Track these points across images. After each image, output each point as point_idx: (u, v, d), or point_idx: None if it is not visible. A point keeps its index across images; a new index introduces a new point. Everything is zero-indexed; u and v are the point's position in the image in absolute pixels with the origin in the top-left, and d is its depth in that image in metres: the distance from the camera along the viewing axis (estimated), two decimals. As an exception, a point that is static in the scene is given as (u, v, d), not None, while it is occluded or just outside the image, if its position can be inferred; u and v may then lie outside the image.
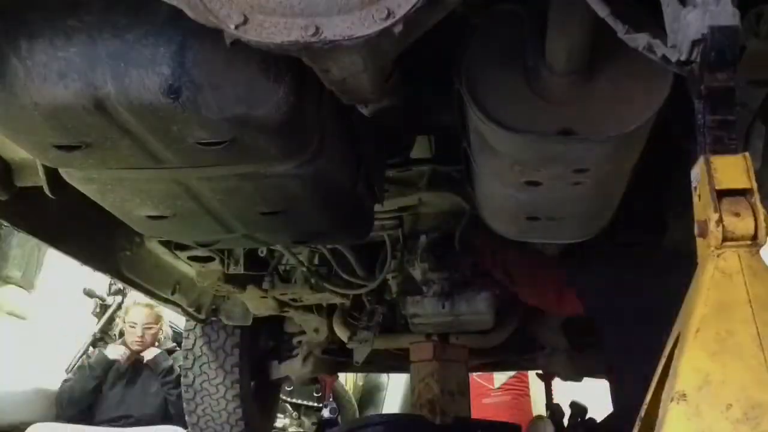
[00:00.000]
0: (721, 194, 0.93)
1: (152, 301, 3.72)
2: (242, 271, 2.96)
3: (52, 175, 1.80)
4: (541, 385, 5.19)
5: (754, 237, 0.92)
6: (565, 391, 5.20)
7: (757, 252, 0.94)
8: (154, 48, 1.23)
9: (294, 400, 7.39)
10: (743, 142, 1.72)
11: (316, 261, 3.23)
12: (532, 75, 1.47)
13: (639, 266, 2.45)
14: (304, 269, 3.17)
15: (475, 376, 5.97)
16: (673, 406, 0.88)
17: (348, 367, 4.47)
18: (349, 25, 1.05)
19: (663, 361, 0.96)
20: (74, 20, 1.23)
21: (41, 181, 1.87)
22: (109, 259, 2.77)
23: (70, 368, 6.79)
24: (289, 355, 4.34)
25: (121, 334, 7.09)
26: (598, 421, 3.75)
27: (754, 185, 0.94)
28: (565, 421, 4.28)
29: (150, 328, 5.07)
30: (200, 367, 3.96)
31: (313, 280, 3.19)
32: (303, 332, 4.10)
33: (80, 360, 6.92)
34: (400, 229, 2.96)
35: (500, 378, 6.91)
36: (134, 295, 6.90)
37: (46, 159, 1.54)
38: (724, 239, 0.92)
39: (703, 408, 0.88)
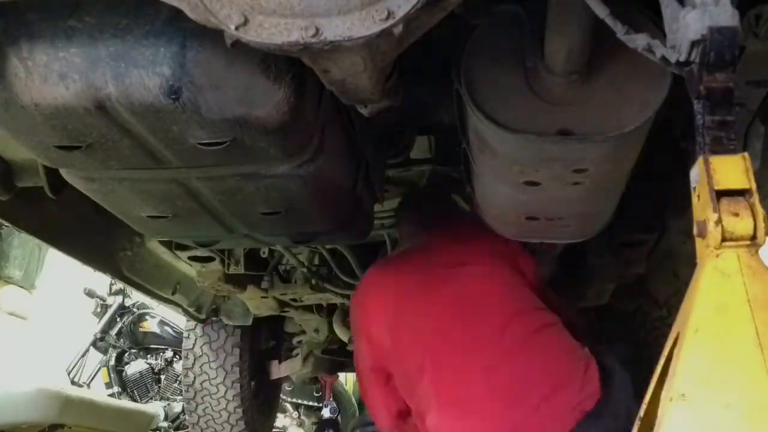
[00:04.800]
0: (720, 194, 0.93)
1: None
2: (242, 271, 2.97)
3: (52, 175, 1.80)
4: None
5: (753, 237, 0.92)
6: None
7: (756, 252, 0.94)
8: (155, 48, 1.23)
9: (294, 400, 7.41)
10: (742, 142, 1.72)
11: (316, 261, 3.24)
12: (531, 75, 1.47)
13: None
14: (304, 269, 3.17)
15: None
16: (672, 406, 0.88)
17: (348, 367, 4.47)
18: (349, 26, 1.05)
19: (662, 360, 0.96)
20: (75, 21, 1.23)
21: (42, 181, 1.88)
22: (109, 259, 2.78)
23: (70, 368, 6.81)
24: (290, 355, 4.35)
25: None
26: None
27: (754, 185, 0.94)
28: None
29: None
30: (201, 366, 3.97)
31: (313, 281, 3.19)
32: (303, 332, 4.11)
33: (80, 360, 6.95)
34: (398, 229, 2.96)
35: (500, 378, 6.89)
36: (136, 296, 6.93)
37: (46, 159, 1.54)
38: (723, 239, 0.92)
39: (702, 408, 0.88)
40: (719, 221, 0.92)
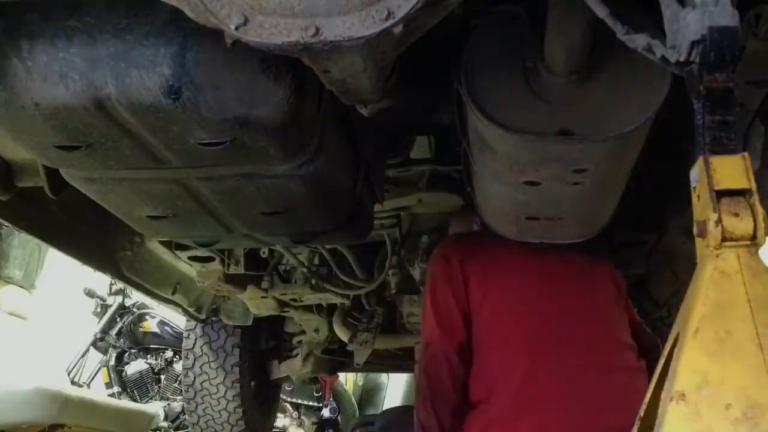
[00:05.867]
0: (721, 194, 0.94)
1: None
2: (242, 271, 2.97)
3: (52, 175, 1.80)
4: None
5: (753, 237, 0.92)
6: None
7: (756, 252, 0.94)
8: (155, 48, 1.23)
9: (294, 400, 7.41)
10: (742, 142, 1.72)
11: (316, 261, 3.24)
12: (531, 75, 1.47)
13: None
14: (304, 269, 3.17)
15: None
16: (672, 406, 0.89)
17: (348, 367, 4.47)
18: (349, 26, 1.05)
19: (662, 361, 0.97)
20: (75, 21, 1.23)
21: (42, 181, 1.88)
22: (109, 259, 2.78)
23: (70, 368, 6.81)
24: (289, 355, 4.35)
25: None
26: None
27: (754, 185, 0.94)
28: None
29: None
30: (201, 366, 3.97)
31: (313, 281, 3.19)
32: (303, 332, 4.11)
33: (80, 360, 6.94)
34: (398, 229, 2.96)
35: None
36: (136, 296, 6.93)
37: (46, 159, 1.54)
38: (723, 239, 0.92)
39: (703, 408, 0.88)
40: (719, 221, 0.92)
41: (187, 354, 4.03)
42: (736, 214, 0.92)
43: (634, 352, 2.14)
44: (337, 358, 4.31)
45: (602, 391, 2.00)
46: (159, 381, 7.12)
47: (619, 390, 2.01)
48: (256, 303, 3.44)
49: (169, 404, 6.86)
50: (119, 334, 7.15)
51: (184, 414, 4.88)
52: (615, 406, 1.93)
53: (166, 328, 7.24)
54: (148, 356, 7.21)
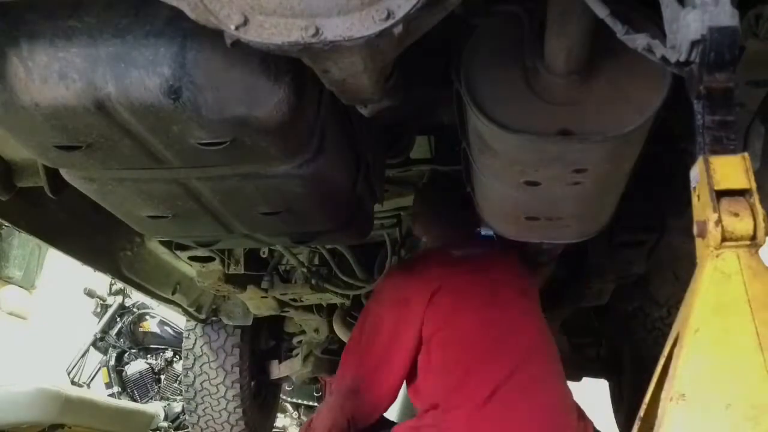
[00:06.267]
0: (720, 194, 0.94)
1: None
2: (242, 271, 2.97)
3: (52, 175, 1.80)
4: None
5: (753, 237, 0.92)
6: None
7: (756, 252, 0.94)
8: (155, 48, 1.23)
9: (294, 400, 7.41)
10: (742, 142, 1.72)
11: (316, 261, 3.24)
12: (531, 75, 1.47)
13: None
14: (304, 269, 3.18)
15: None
16: (672, 406, 0.89)
17: (348, 367, 4.46)
18: (349, 26, 1.05)
19: (662, 360, 0.97)
20: (75, 21, 1.23)
21: (42, 181, 1.88)
22: (109, 259, 2.78)
23: (70, 368, 6.82)
24: (289, 354, 4.35)
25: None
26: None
27: (754, 185, 0.94)
28: None
29: None
30: (201, 367, 3.97)
31: (313, 281, 3.20)
32: (303, 332, 4.11)
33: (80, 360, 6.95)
34: (398, 229, 2.97)
35: (500, 378, 6.88)
36: (136, 296, 6.93)
37: (46, 159, 1.54)
38: (723, 239, 0.92)
39: (702, 408, 0.88)
40: (719, 221, 0.92)
41: (187, 354, 4.03)
42: (736, 214, 0.92)
43: (562, 378, 2.41)
44: (337, 358, 4.30)
45: (526, 410, 2.22)
46: (159, 381, 7.13)
47: (544, 410, 2.25)
48: (256, 303, 3.44)
49: (169, 404, 6.87)
50: (119, 334, 7.16)
51: (184, 414, 4.89)
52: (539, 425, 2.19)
53: (166, 328, 7.25)
54: (148, 356, 7.22)
